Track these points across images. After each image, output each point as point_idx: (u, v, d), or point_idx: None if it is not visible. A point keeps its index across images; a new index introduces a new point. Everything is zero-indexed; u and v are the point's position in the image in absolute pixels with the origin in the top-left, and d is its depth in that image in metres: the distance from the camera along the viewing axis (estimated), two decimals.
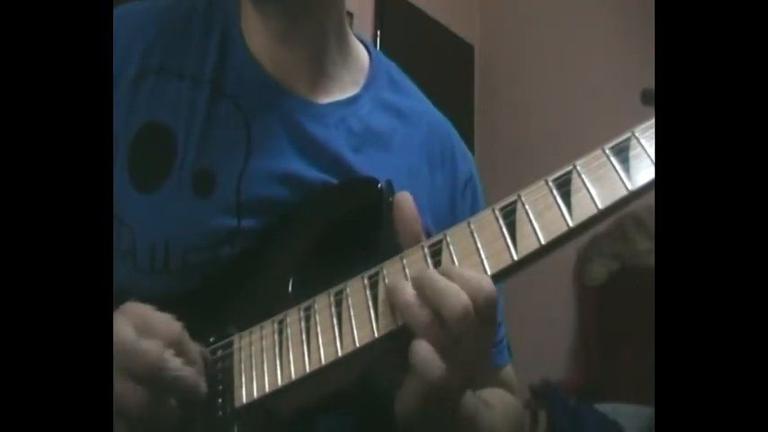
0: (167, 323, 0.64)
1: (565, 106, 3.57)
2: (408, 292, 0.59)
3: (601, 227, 3.28)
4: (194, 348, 0.65)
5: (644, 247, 3.17)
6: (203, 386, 0.63)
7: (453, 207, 0.88)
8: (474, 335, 0.58)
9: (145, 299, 0.73)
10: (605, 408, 2.83)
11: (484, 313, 0.58)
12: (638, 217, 3.16)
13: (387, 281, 0.62)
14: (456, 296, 0.57)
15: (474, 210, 0.89)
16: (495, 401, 0.79)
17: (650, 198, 0.57)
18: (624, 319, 3.19)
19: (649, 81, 0.58)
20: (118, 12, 0.82)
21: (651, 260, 2.96)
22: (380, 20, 3.28)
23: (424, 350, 0.58)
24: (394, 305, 0.60)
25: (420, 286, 0.59)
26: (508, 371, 0.91)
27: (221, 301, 0.75)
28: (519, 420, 0.83)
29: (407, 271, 0.63)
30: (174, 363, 0.61)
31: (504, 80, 3.88)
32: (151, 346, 0.61)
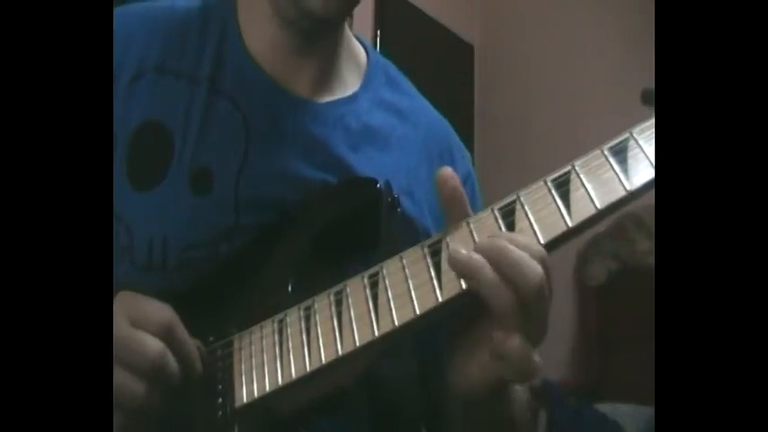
0: (160, 310, 0.65)
1: (565, 106, 3.57)
2: (479, 260, 0.57)
3: (601, 227, 3.29)
4: (187, 336, 0.67)
5: (644, 247, 3.17)
6: (200, 374, 0.66)
7: None
8: (543, 306, 0.58)
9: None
10: (605, 408, 2.83)
11: (549, 283, 0.58)
12: (638, 217, 3.16)
13: (450, 246, 0.60)
14: (533, 268, 0.56)
15: (472, 207, 0.89)
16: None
17: (650, 198, 0.57)
18: (624, 319, 3.19)
19: (649, 81, 0.58)
20: (116, 14, 0.82)
21: (651, 260, 2.95)
22: (380, 20, 3.28)
23: (516, 344, 0.56)
24: (464, 274, 0.58)
25: (495, 256, 0.57)
26: None
27: (220, 300, 0.75)
28: (528, 407, 0.83)
29: (408, 271, 0.62)
30: (173, 360, 0.64)
31: (504, 80, 3.88)
32: (152, 343, 0.63)
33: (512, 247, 0.57)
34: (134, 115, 0.80)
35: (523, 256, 0.56)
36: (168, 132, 0.79)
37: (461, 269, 0.58)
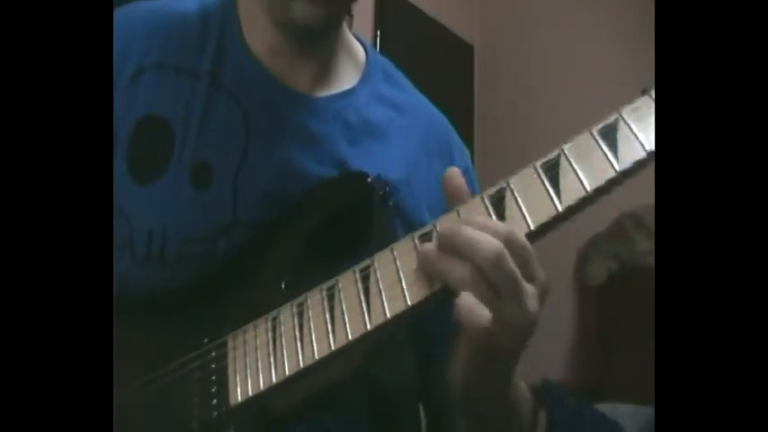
0: None
1: (564, 106, 3.57)
2: (435, 254, 0.59)
3: (601, 226, 3.29)
4: None
5: (644, 247, 3.17)
6: None
7: None
8: (515, 286, 0.57)
9: (142, 290, 0.73)
10: (605, 408, 2.82)
11: (519, 259, 0.57)
12: (639, 217, 3.16)
13: (418, 248, 0.61)
14: (487, 242, 0.57)
15: None
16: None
17: (650, 198, 0.57)
18: (624, 319, 3.18)
19: (649, 81, 0.58)
20: (118, 12, 0.83)
21: (651, 260, 2.95)
22: (380, 20, 3.28)
23: (467, 302, 0.57)
24: (428, 273, 0.60)
25: (449, 242, 0.58)
26: None
27: (216, 299, 0.75)
28: (530, 407, 0.83)
29: (399, 263, 0.63)
30: None
31: (504, 80, 3.88)
32: None
33: (465, 227, 0.58)
34: (135, 110, 0.80)
35: (475, 232, 0.58)
36: (169, 126, 0.80)
37: (422, 266, 0.60)
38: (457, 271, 0.58)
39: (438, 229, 0.61)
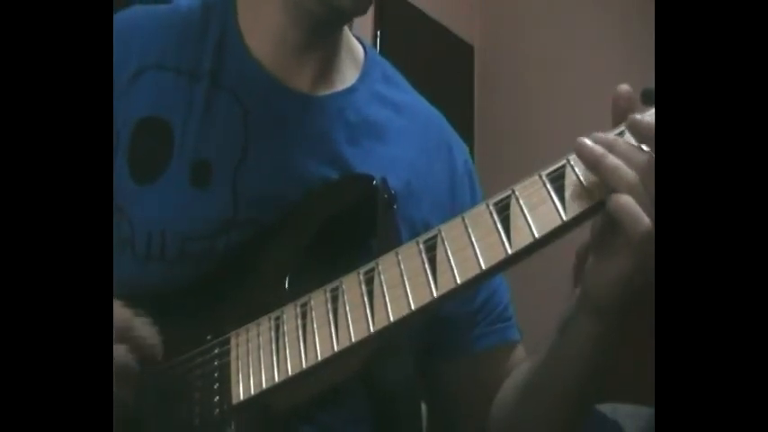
0: (117, 312, 0.67)
1: (565, 106, 3.57)
2: (614, 158, 0.58)
3: None
4: (145, 328, 0.69)
5: None
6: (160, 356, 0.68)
7: (453, 191, 0.88)
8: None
9: (143, 289, 0.74)
10: (605, 408, 2.82)
11: None
12: None
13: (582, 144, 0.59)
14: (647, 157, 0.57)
15: (472, 194, 0.90)
16: None
17: None
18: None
19: (649, 81, 0.58)
20: (120, 15, 0.84)
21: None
22: (380, 20, 3.28)
23: (630, 202, 0.56)
24: (594, 168, 0.58)
25: (621, 152, 0.58)
26: (522, 350, 0.90)
27: (218, 297, 0.75)
28: None
29: (403, 266, 0.63)
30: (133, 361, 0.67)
31: (504, 80, 3.87)
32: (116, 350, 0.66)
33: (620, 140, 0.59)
34: (136, 111, 0.81)
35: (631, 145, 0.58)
36: (169, 127, 0.80)
37: (589, 161, 0.58)
38: (624, 170, 0.57)
39: (597, 135, 0.60)
